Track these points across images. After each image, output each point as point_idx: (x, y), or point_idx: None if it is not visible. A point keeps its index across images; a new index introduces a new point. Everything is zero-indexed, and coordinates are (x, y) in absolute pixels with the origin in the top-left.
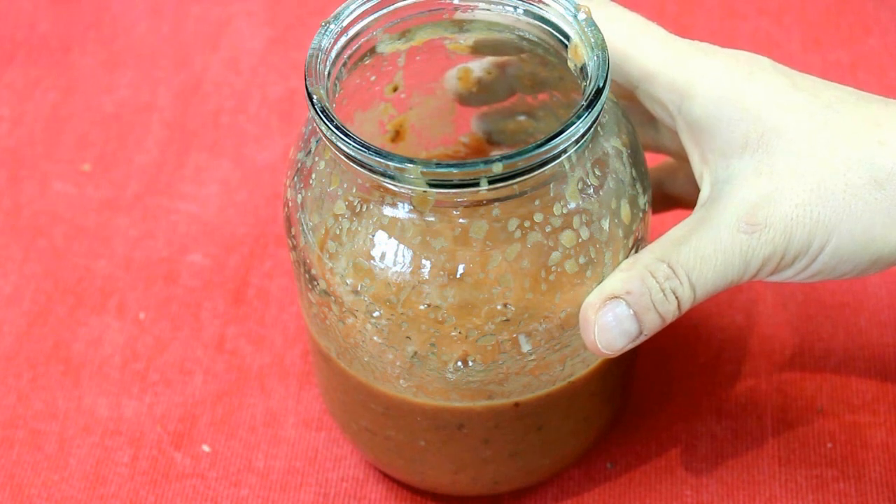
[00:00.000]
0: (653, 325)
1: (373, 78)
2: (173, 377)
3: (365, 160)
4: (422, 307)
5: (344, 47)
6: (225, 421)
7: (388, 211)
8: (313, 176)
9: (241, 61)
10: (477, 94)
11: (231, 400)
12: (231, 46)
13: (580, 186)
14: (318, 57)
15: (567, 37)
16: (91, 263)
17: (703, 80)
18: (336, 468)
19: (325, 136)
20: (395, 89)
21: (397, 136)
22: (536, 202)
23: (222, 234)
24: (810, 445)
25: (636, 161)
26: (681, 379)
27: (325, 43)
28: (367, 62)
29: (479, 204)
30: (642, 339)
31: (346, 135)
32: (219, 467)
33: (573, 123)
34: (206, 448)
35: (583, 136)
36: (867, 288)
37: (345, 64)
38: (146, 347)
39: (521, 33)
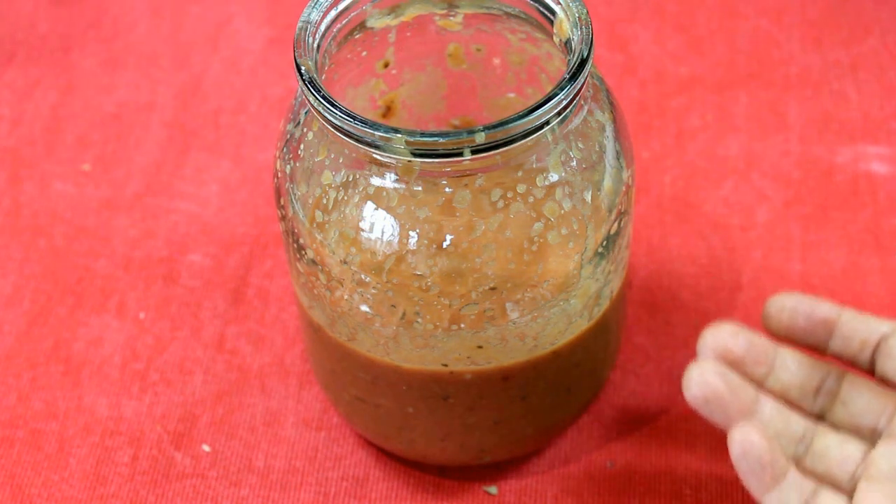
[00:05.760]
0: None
1: (364, 53)
2: (173, 377)
3: (351, 130)
4: (408, 276)
5: (333, 21)
6: (225, 421)
7: (374, 181)
8: (302, 147)
9: (241, 61)
10: (467, 71)
11: (231, 400)
12: (231, 46)
13: (563, 158)
14: (307, 30)
15: (553, 12)
16: (91, 263)
17: None
18: (336, 468)
19: (312, 106)
20: (387, 65)
21: (388, 111)
22: (519, 173)
23: (222, 234)
24: None
25: (620, 136)
26: (681, 378)
27: (315, 16)
28: (357, 37)
29: (463, 174)
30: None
31: (333, 105)
32: (219, 467)
33: (556, 95)
34: (206, 448)
35: (565, 107)
36: (867, 288)
37: (334, 37)
38: (146, 347)
39: (509, 9)
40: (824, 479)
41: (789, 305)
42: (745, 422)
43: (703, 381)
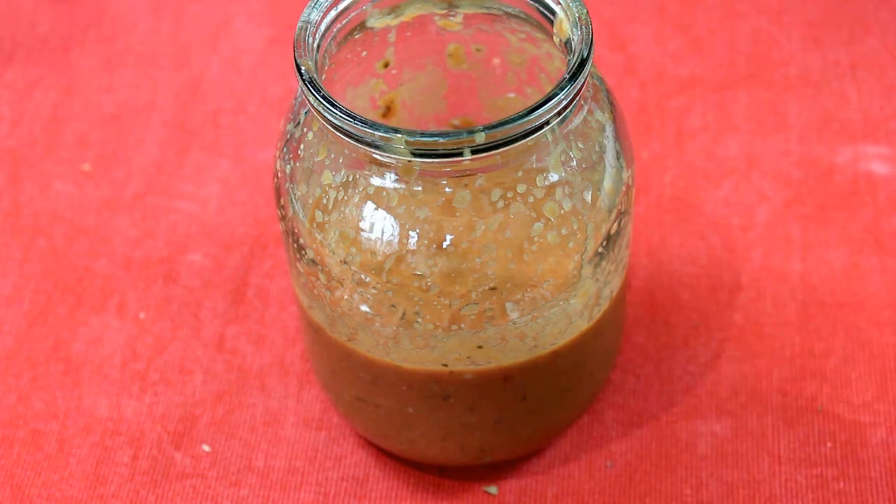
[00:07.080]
0: None
1: (364, 53)
2: (173, 377)
3: (351, 130)
4: (408, 276)
5: (333, 21)
6: (225, 421)
7: (374, 181)
8: (302, 147)
9: (241, 61)
10: (467, 71)
11: (231, 400)
12: (231, 46)
13: (563, 158)
14: (307, 30)
15: (553, 12)
16: (91, 263)
17: None
18: (336, 468)
19: (312, 106)
20: (387, 65)
21: (388, 111)
22: (519, 173)
23: (222, 234)
24: (810, 445)
25: (620, 136)
26: (681, 378)
27: (315, 16)
28: (357, 37)
29: (463, 174)
30: None
31: (333, 105)
32: (219, 467)
33: (556, 95)
34: (206, 448)
35: (565, 107)
36: (867, 288)
37: (334, 37)
38: (146, 347)
39: (509, 9)
40: None
41: None
42: None
43: None
